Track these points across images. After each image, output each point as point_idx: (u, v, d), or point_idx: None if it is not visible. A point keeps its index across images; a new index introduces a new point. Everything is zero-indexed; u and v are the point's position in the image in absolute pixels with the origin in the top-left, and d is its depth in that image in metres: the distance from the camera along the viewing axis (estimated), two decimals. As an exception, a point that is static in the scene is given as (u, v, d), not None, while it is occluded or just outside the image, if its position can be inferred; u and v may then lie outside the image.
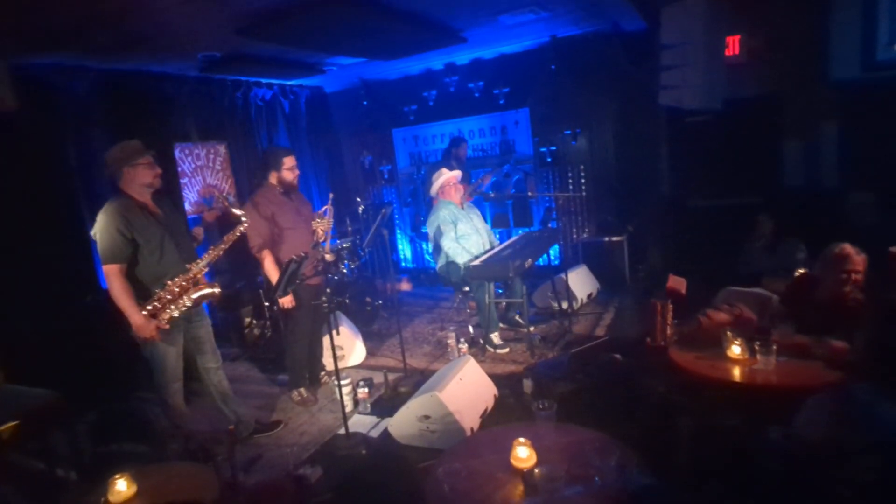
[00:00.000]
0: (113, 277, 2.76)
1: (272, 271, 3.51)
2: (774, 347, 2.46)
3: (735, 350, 2.54)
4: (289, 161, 3.64)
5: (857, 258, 2.71)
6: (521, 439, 1.92)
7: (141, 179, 2.87)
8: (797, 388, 2.25)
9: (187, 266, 2.93)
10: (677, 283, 3.64)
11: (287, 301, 3.47)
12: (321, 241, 3.66)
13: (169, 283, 2.87)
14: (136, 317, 2.76)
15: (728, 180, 5.46)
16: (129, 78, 4.77)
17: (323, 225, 3.68)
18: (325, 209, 3.72)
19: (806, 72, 4.90)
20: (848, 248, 2.73)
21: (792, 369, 2.42)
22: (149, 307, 2.81)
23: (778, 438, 1.81)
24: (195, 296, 2.92)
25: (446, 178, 4.65)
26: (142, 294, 2.83)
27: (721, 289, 3.69)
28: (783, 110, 5.16)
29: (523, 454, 1.89)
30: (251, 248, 3.50)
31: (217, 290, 3.03)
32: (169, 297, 2.86)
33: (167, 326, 2.84)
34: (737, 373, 2.46)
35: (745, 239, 4.95)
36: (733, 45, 5.02)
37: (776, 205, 4.99)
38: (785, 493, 1.63)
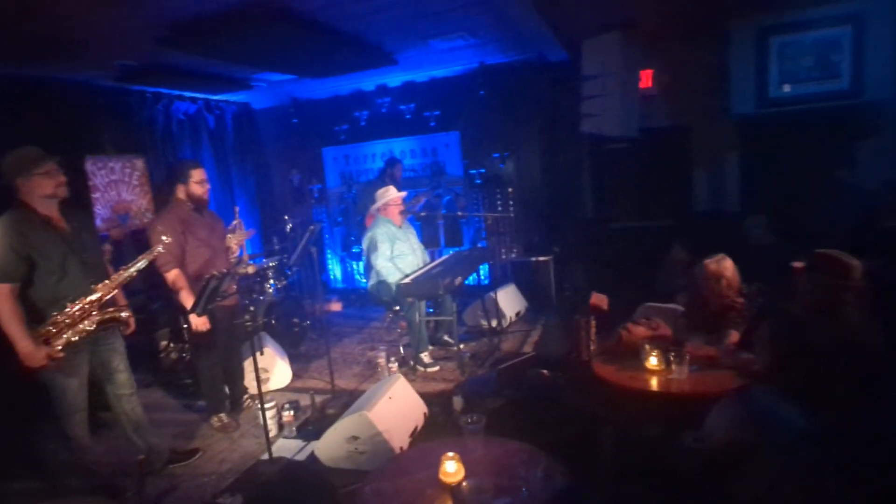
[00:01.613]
0: (1, 298, 2.49)
1: (183, 290, 3.32)
2: (687, 358, 2.63)
3: (652, 361, 2.68)
4: (197, 174, 3.46)
5: (718, 267, 3.04)
6: (450, 454, 1.92)
7: (39, 191, 2.62)
8: (708, 395, 2.40)
9: (92, 287, 2.70)
10: (599, 299, 3.80)
11: (201, 323, 3.27)
12: (235, 254, 3.53)
13: (69, 305, 2.64)
14: (24, 343, 2.50)
15: (644, 204, 5.84)
16: (33, 84, 4.44)
17: (236, 238, 3.55)
18: (234, 223, 3.60)
19: (709, 106, 5.34)
20: (709, 263, 3.07)
21: (704, 378, 2.58)
22: (42, 331, 2.57)
23: (689, 442, 1.92)
24: (98, 319, 2.70)
25: (392, 197, 4.59)
26: (36, 318, 2.58)
27: (639, 305, 3.91)
28: (691, 140, 5.60)
29: (451, 469, 1.88)
30: (158, 267, 3.25)
31: (125, 314, 2.82)
32: (67, 321, 2.62)
33: (61, 354, 2.58)
34: (654, 383, 2.60)
35: (661, 259, 5.27)
36: (646, 79, 5.39)
37: (686, 227, 5.36)
38: (695, 492, 1.72)
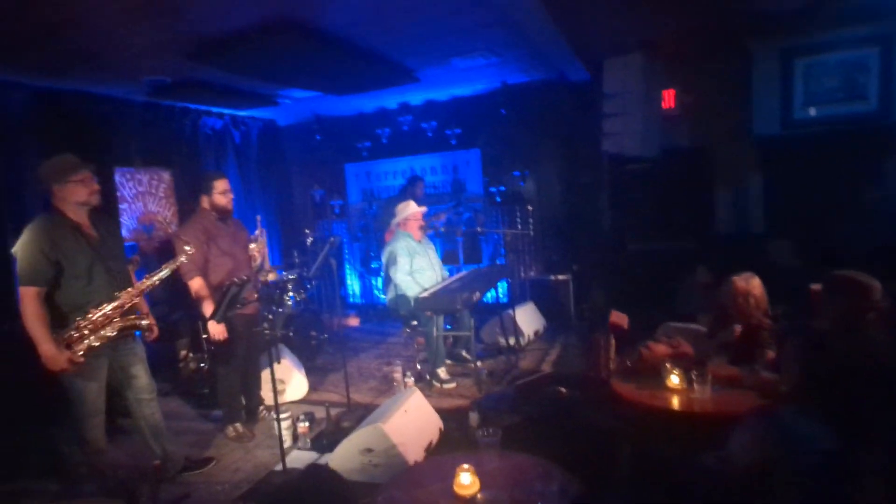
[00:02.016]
0: (28, 301, 2.55)
1: (206, 299, 3.36)
2: (710, 377, 2.57)
3: (674, 380, 2.62)
4: (220, 185, 3.52)
5: (747, 285, 2.93)
6: (465, 466, 1.89)
7: (73, 197, 2.69)
8: (731, 415, 2.34)
9: (116, 294, 2.74)
10: (619, 318, 3.75)
11: (219, 332, 3.29)
12: (258, 262, 3.58)
13: (92, 310, 2.68)
14: (47, 346, 2.53)
15: (665, 224, 5.76)
16: (69, 98, 4.62)
17: (258, 247, 3.61)
18: (257, 233, 3.66)
19: (732, 127, 5.29)
20: (738, 280, 2.95)
21: (726, 398, 2.51)
22: (65, 336, 2.61)
23: (711, 462, 1.87)
24: (120, 326, 2.73)
25: (413, 211, 4.62)
26: (60, 322, 2.63)
27: (660, 325, 3.85)
28: (714, 161, 5.53)
29: (466, 481, 1.85)
30: (181, 275, 3.30)
31: (146, 321, 2.86)
32: (90, 326, 2.66)
33: (82, 360, 2.61)
34: (675, 402, 2.54)
35: (682, 280, 5.19)
36: (668, 99, 5.38)
37: (708, 249, 5.28)
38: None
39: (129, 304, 2.77)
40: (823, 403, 1.89)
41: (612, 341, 3.45)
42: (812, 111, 4.94)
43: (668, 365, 2.69)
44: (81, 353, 2.62)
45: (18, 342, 2.82)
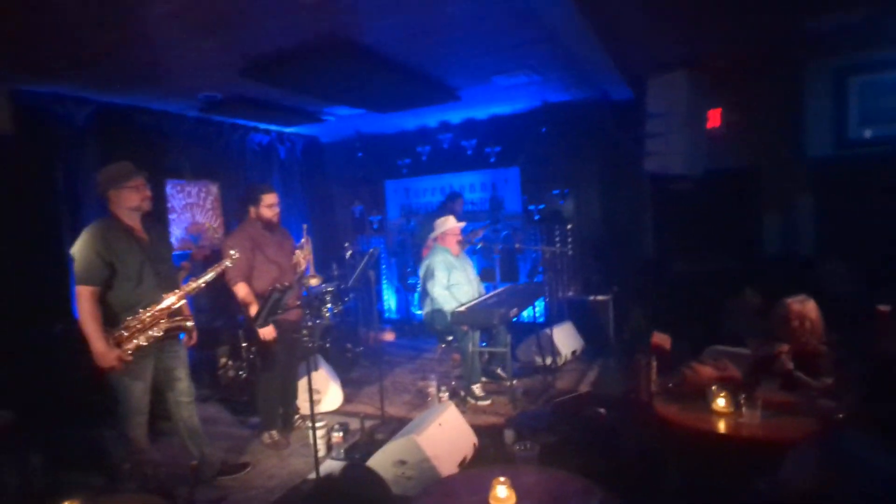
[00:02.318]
0: (84, 299, 2.68)
1: (251, 304, 3.44)
2: (760, 402, 2.45)
3: (720, 403, 2.52)
4: (268, 199, 3.62)
5: (802, 307, 2.79)
6: (501, 478, 1.84)
7: (128, 202, 2.83)
8: (783, 440, 2.22)
9: (163, 296, 2.85)
10: (662, 339, 3.63)
11: (268, 332, 3.38)
12: (303, 269, 3.65)
13: (141, 311, 2.78)
14: (99, 343, 2.65)
15: (709, 246, 5.58)
16: (128, 112, 4.87)
17: (304, 254, 3.68)
18: (303, 241, 3.73)
19: (782, 147, 5.13)
20: (793, 303, 2.81)
21: (777, 424, 2.39)
22: (115, 334, 2.72)
23: (765, 487, 1.77)
24: (166, 327, 2.83)
25: (452, 226, 4.62)
26: (111, 321, 2.74)
27: (704, 350, 3.70)
28: (762, 181, 5.36)
29: (503, 494, 1.81)
30: (227, 280, 3.42)
31: (189, 323, 2.95)
32: (139, 326, 2.76)
33: (130, 358, 2.72)
34: (722, 425, 2.43)
35: (727, 304, 5.00)
36: (714, 118, 5.27)
37: (756, 272, 5.08)
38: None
39: (175, 307, 2.87)
40: (888, 426, 1.76)
41: (654, 363, 3.34)
42: (868, 131, 4.75)
43: (714, 387, 2.59)
44: (129, 351, 2.71)
45: (72, 343, 2.95)
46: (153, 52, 3.62)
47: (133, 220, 2.89)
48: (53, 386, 3.47)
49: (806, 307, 2.83)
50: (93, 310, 2.68)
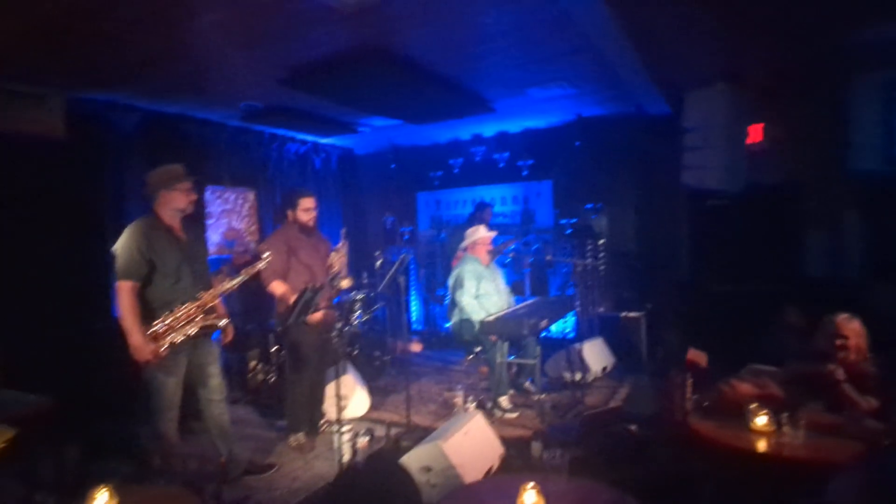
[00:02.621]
0: (123, 294, 2.77)
1: (288, 296, 3.49)
2: (803, 422, 2.34)
3: (761, 421, 2.41)
4: (305, 203, 3.68)
5: (848, 325, 2.72)
6: (529, 485, 1.80)
7: (175, 203, 2.94)
8: (827, 462, 2.11)
9: (199, 294, 2.91)
10: (697, 356, 3.53)
11: (318, 316, 3.46)
12: (335, 270, 3.69)
13: (178, 308, 2.85)
14: (136, 337, 2.72)
15: (749, 265, 5.39)
16: (173, 120, 5.06)
17: (338, 256, 3.73)
18: (340, 244, 3.78)
19: (826, 163, 4.96)
20: (840, 320, 2.75)
21: (820, 445, 2.28)
22: (152, 329, 2.78)
23: (809, 508, 1.68)
24: (201, 324, 2.89)
25: (482, 236, 4.61)
26: (149, 317, 2.81)
27: (742, 368, 3.56)
28: (804, 198, 5.18)
29: (531, 500, 1.76)
30: (263, 281, 3.49)
31: (225, 321, 3.01)
32: (174, 323, 2.82)
33: (165, 353, 2.77)
34: (762, 445, 2.32)
35: (766, 326, 4.81)
36: (756, 133, 5.14)
37: (798, 293, 4.88)
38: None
39: (210, 304, 2.93)
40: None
41: (689, 381, 3.23)
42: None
43: (753, 405, 2.49)
44: (164, 347, 2.77)
45: (111, 339, 3.04)
46: (198, 62, 3.75)
47: (174, 221, 2.99)
48: (91, 380, 3.57)
49: (853, 324, 2.73)
50: (132, 304, 2.76)
